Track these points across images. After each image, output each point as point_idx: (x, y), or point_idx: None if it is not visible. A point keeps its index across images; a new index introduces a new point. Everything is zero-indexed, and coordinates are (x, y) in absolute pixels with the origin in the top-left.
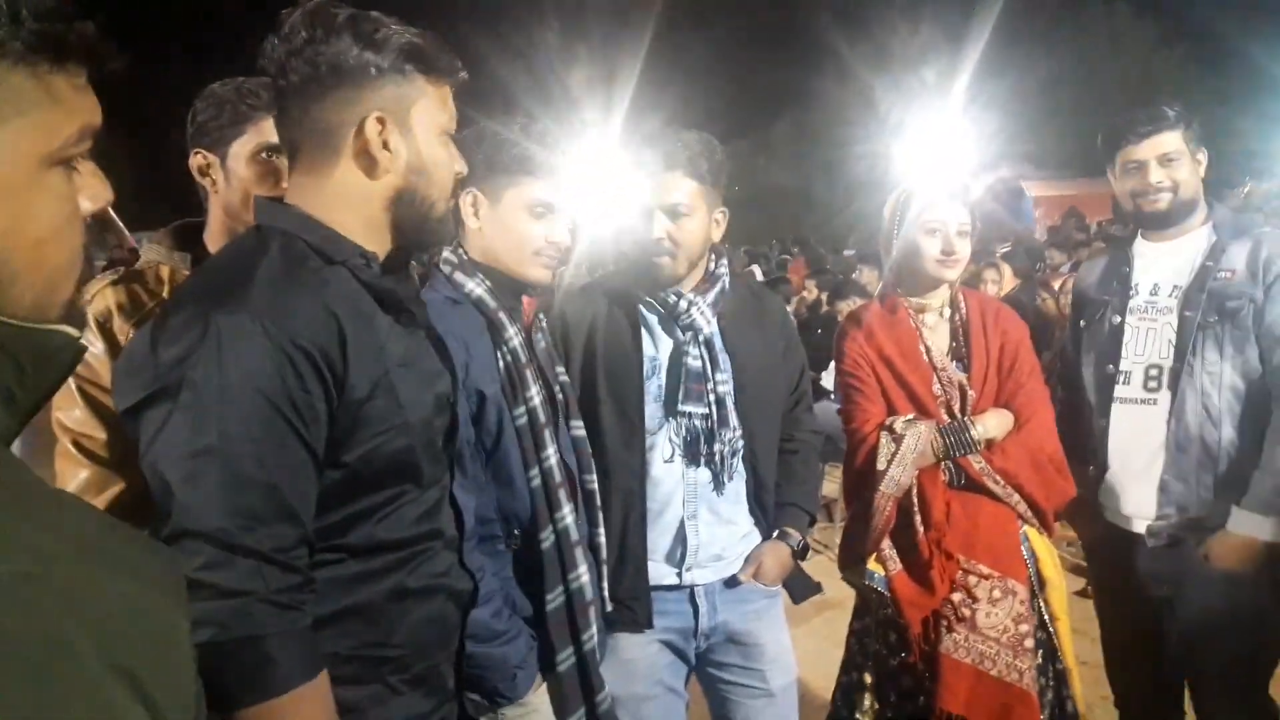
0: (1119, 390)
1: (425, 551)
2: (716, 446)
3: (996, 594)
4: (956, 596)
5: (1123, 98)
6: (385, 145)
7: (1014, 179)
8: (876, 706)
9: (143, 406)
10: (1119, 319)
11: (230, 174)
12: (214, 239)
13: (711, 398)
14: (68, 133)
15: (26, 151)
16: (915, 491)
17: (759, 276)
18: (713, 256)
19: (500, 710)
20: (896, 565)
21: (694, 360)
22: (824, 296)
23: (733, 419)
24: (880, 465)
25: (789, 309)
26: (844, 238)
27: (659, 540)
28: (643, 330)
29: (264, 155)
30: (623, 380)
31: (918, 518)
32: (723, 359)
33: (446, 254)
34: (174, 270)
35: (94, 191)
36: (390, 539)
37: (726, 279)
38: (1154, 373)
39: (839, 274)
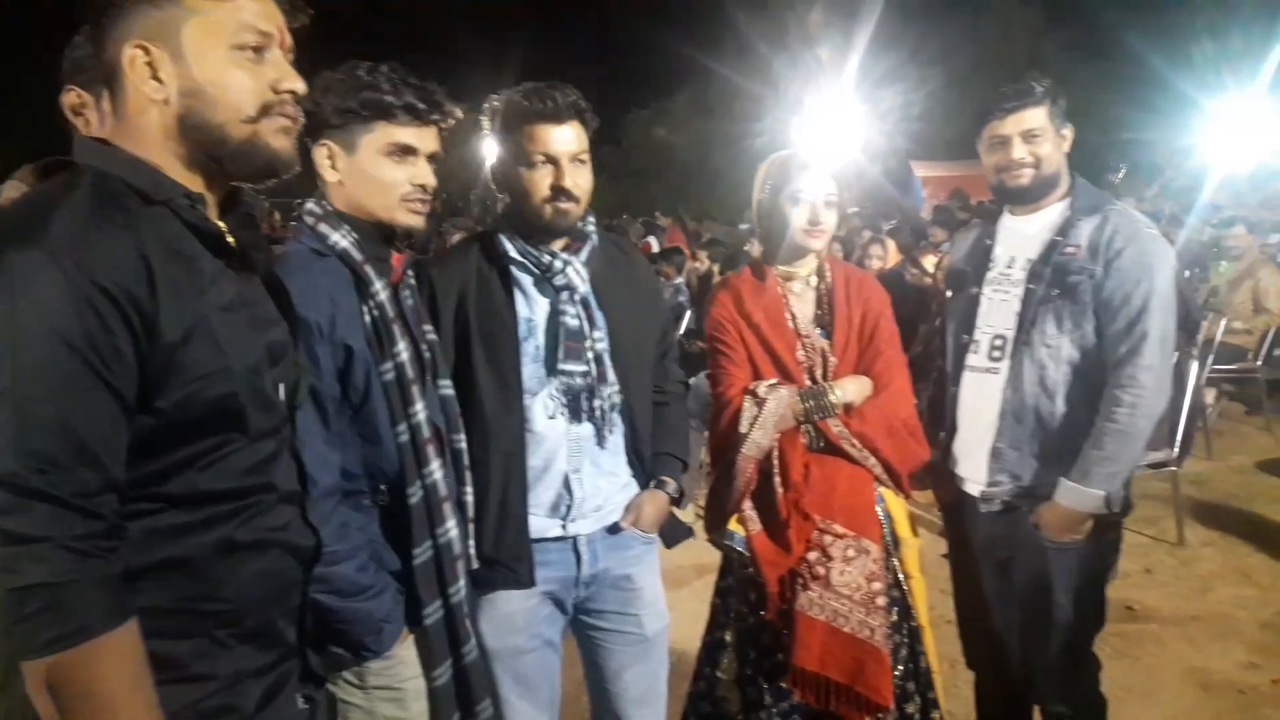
0: (969, 359)
1: (256, 505)
2: (597, 402)
3: (850, 553)
4: (812, 555)
5: (1009, 79)
6: (154, 74)
7: (904, 158)
8: (736, 665)
9: None
10: (976, 290)
11: (104, 114)
12: None
13: (590, 355)
14: None
15: None
16: (776, 454)
17: (655, 248)
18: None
19: (366, 664)
20: (756, 525)
21: (572, 319)
22: (716, 268)
23: (611, 375)
24: (743, 428)
25: (680, 279)
26: (743, 211)
27: (543, 495)
28: (516, 292)
29: None
30: (498, 343)
31: (777, 479)
32: (598, 316)
33: (310, 205)
34: None
35: None
36: (215, 489)
37: (595, 236)
38: (998, 342)
39: (732, 246)
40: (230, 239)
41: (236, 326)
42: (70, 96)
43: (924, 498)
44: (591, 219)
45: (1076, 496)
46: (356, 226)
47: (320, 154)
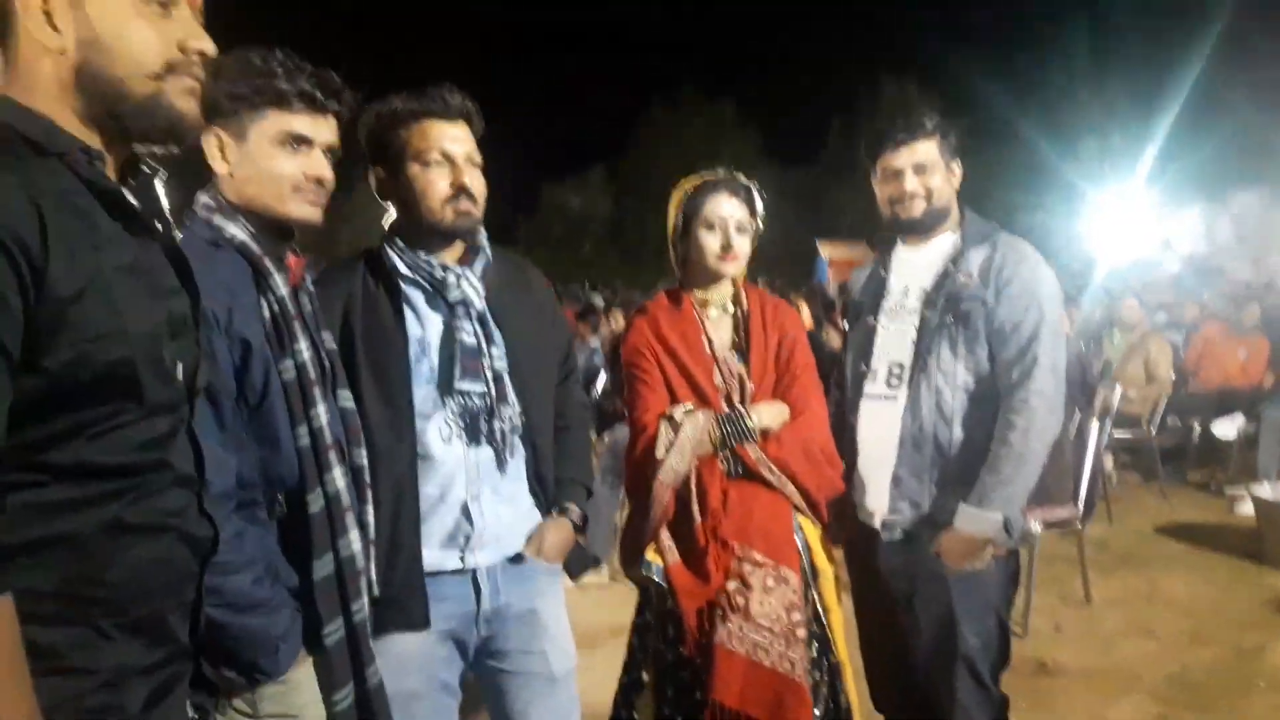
0: (867, 387)
1: (148, 484)
2: (497, 424)
3: (770, 582)
4: (731, 585)
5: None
6: (51, 22)
7: (810, 239)
8: (653, 705)
9: None
10: (872, 320)
11: None
12: None
13: (489, 374)
14: None
15: None
16: (694, 480)
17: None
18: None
19: (259, 689)
20: (674, 555)
21: (468, 336)
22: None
23: (511, 395)
24: (659, 453)
25: (595, 341)
26: (657, 281)
27: (440, 524)
28: (406, 309)
29: None
30: (386, 364)
31: (695, 506)
32: (496, 334)
33: (203, 197)
34: None
35: None
36: (104, 462)
37: (487, 250)
38: (896, 370)
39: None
40: (130, 201)
41: (135, 290)
42: None
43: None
44: (484, 233)
45: (975, 521)
46: (252, 220)
47: (210, 143)
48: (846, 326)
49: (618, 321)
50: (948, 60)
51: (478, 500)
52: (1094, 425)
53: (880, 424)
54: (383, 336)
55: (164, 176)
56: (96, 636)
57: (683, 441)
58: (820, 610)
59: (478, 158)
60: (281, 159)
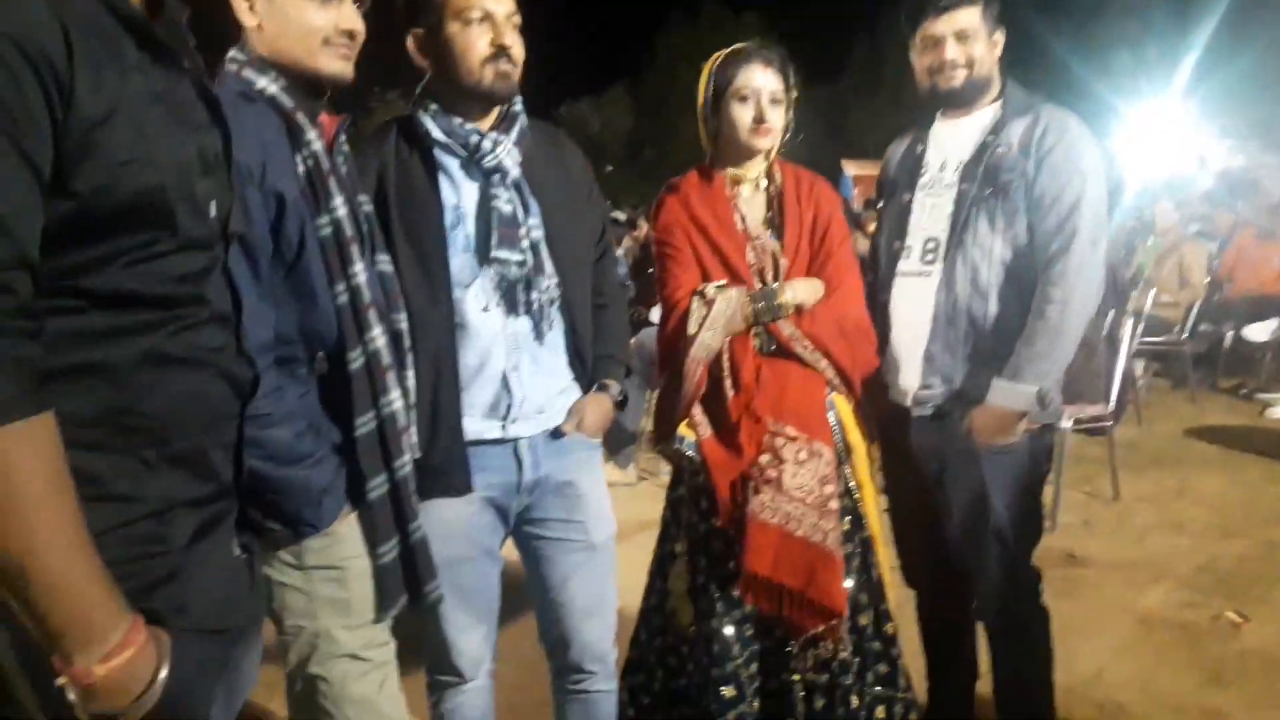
0: (901, 264)
1: (187, 318)
2: (534, 294)
3: (803, 455)
4: (764, 459)
5: None
6: None
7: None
8: (687, 576)
9: None
10: (908, 196)
11: None
12: None
13: (526, 243)
14: None
15: None
16: (726, 356)
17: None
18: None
19: (305, 541)
20: (707, 430)
21: (505, 204)
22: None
23: (548, 265)
24: (691, 329)
25: (619, 251)
26: None
27: (481, 394)
28: (441, 176)
29: None
30: (422, 232)
31: (728, 381)
32: (532, 203)
33: (233, 53)
34: None
35: None
36: (141, 292)
37: (524, 118)
38: (930, 245)
39: None
40: (157, 32)
41: (164, 119)
42: None
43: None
44: (520, 99)
45: (1009, 395)
46: (284, 74)
47: None
48: (881, 204)
49: (643, 230)
50: None
51: (517, 370)
52: (1127, 326)
53: (914, 301)
54: (417, 203)
55: (186, 15)
56: (139, 465)
57: (715, 317)
58: (852, 485)
59: (518, 19)
60: (311, 10)
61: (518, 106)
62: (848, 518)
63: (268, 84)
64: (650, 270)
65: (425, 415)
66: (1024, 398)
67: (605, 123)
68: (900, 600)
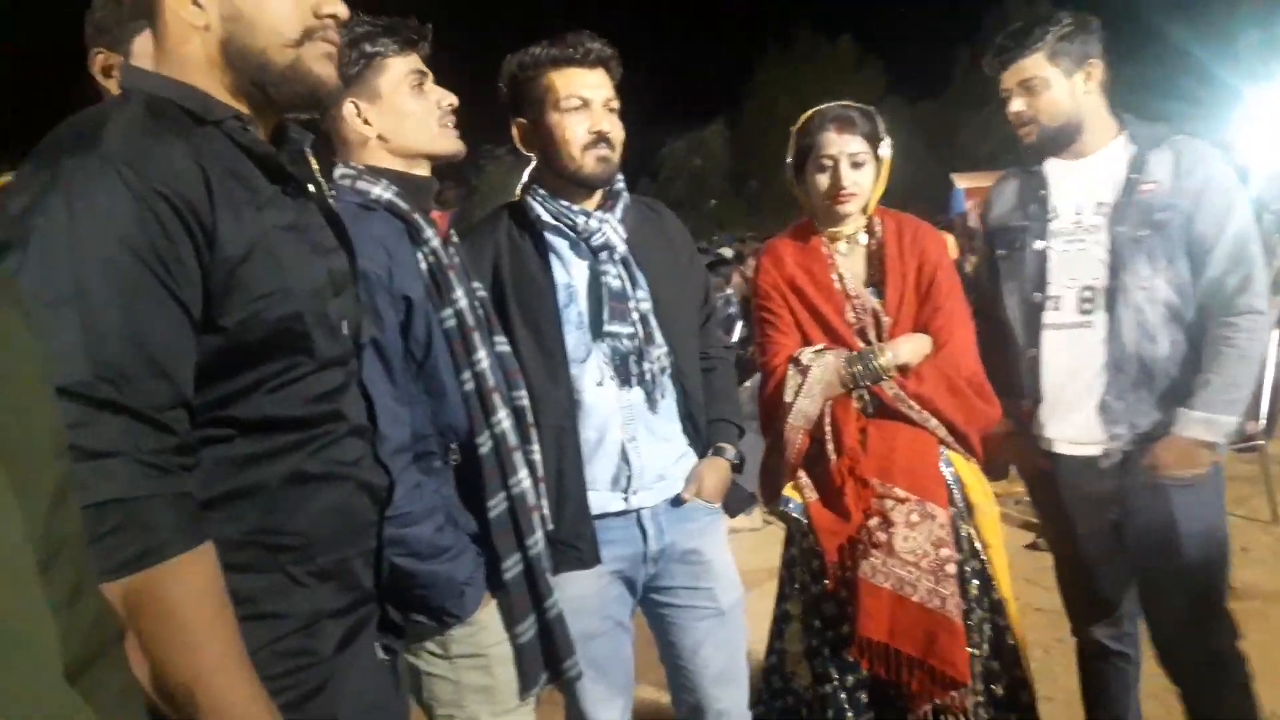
0: (1049, 317)
1: (327, 434)
2: (646, 365)
3: (914, 518)
4: (873, 521)
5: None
6: (194, 1)
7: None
8: (802, 637)
9: None
10: (1041, 244)
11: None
12: None
13: (635, 316)
14: None
15: None
16: (828, 419)
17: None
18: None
19: (449, 632)
20: (813, 493)
21: (614, 280)
22: None
23: (658, 336)
24: (788, 397)
25: (730, 290)
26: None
27: (601, 468)
28: (552, 257)
29: None
30: (538, 311)
31: (830, 446)
32: (639, 276)
33: (341, 168)
34: None
35: None
36: (284, 415)
37: (627, 195)
38: (1087, 295)
39: None
40: (285, 164)
41: (297, 249)
42: (99, 59)
43: (997, 487)
44: (621, 176)
45: (1203, 427)
46: (395, 180)
47: (349, 115)
48: (994, 252)
49: (751, 269)
50: None
51: (634, 441)
52: (1275, 336)
53: (1075, 352)
54: (532, 285)
55: (310, 142)
56: (288, 582)
57: (810, 384)
58: (978, 547)
59: (615, 103)
60: (418, 99)
61: (620, 185)
62: (975, 581)
63: (382, 191)
64: None
65: (552, 491)
66: (1219, 428)
67: (707, 158)
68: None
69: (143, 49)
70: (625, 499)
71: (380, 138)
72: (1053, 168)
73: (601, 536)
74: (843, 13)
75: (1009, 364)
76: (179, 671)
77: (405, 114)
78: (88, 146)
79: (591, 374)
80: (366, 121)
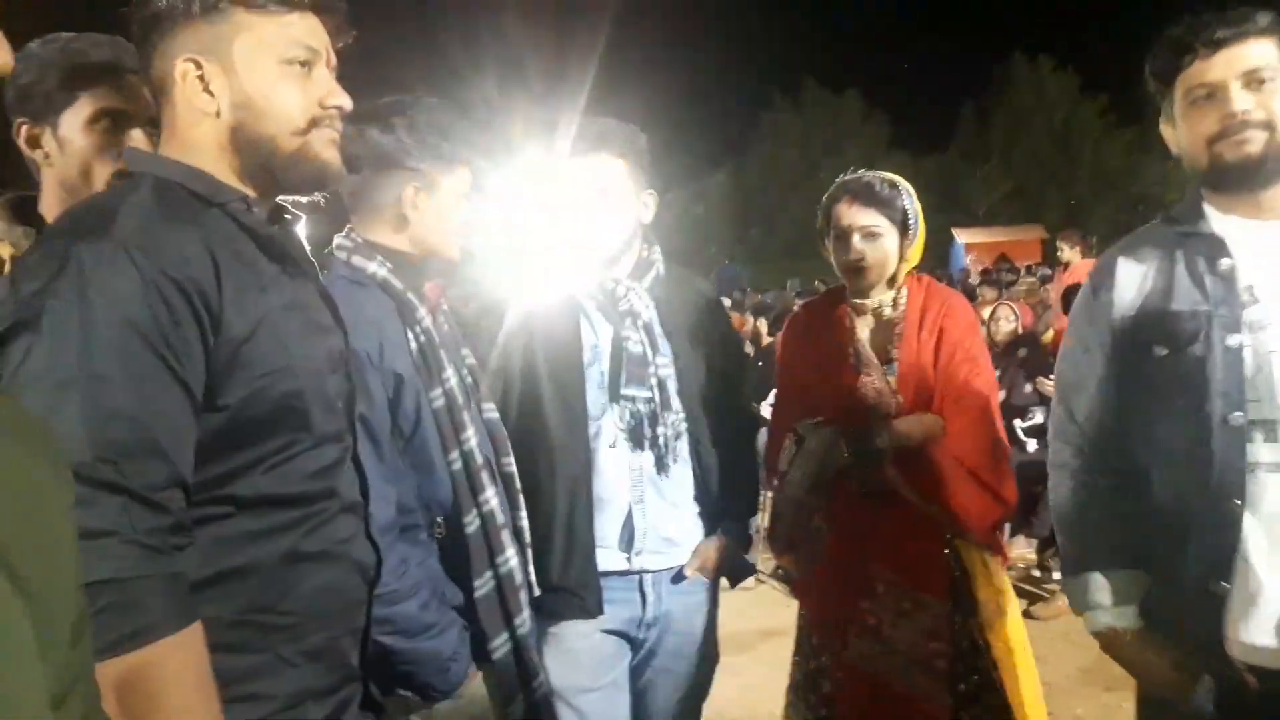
0: (1261, 451)
1: (321, 513)
2: (660, 430)
3: (906, 606)
4: (863, 605)
5: (1048, 146)
6: (206, 88)
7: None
8: (796, 704)
9: (2, 343)
10: (1236, 340)
11: (65, 144)
12: (51, 212)
13: (654, 381)
14: None
15: None
16: (825, 495)
17: None
18: (646, 244)
19: (434, 706)
20: (804, 568)
21: (635, 345)
22: (764, 328)
23: (675, 402)
24: (783, 466)
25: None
26: (785, 278)
27: (607, 527)
28: (582, 318)
29: (102, 123)
30: (564, 368)
31: (823, 523)
32: (662, 343)
33: (340, 240)
34: (15, 248)
35: None
36: (281, 493)
37: (660, 265)
38: None
39: (780, 307)
40: (286, 245)
41: (298, 327)
42: (23, 129)
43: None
44: (657, 248)
45: None
46: (391, 258)
47: (407, 194)
48: (1160, 352)
49: (747, 323)
50: (1089, 34)
51: (642, 504)
52: None
53: None
54: (562, 342)
55: (302, 222)
56: (278, 662)
57: (805, 457)
58: (982, 644)
59: (614, 191)
60: (463, 209)
61: (655, 255)
62: (974, 676)
63: (377, 269)
64: (760, 362)
65: (560, 540)
66: None
67: (709, 207)
68: None
69: (73, 120)
70: (629, 559)
71: (422, 223)
72: (1230, 229)
73: (604, 594)
74: (850, 66)
75: (1161, 517)
76: None
77: (444, 218)
78: (100, 232)
79: (606, 434)
80: (415, 205)
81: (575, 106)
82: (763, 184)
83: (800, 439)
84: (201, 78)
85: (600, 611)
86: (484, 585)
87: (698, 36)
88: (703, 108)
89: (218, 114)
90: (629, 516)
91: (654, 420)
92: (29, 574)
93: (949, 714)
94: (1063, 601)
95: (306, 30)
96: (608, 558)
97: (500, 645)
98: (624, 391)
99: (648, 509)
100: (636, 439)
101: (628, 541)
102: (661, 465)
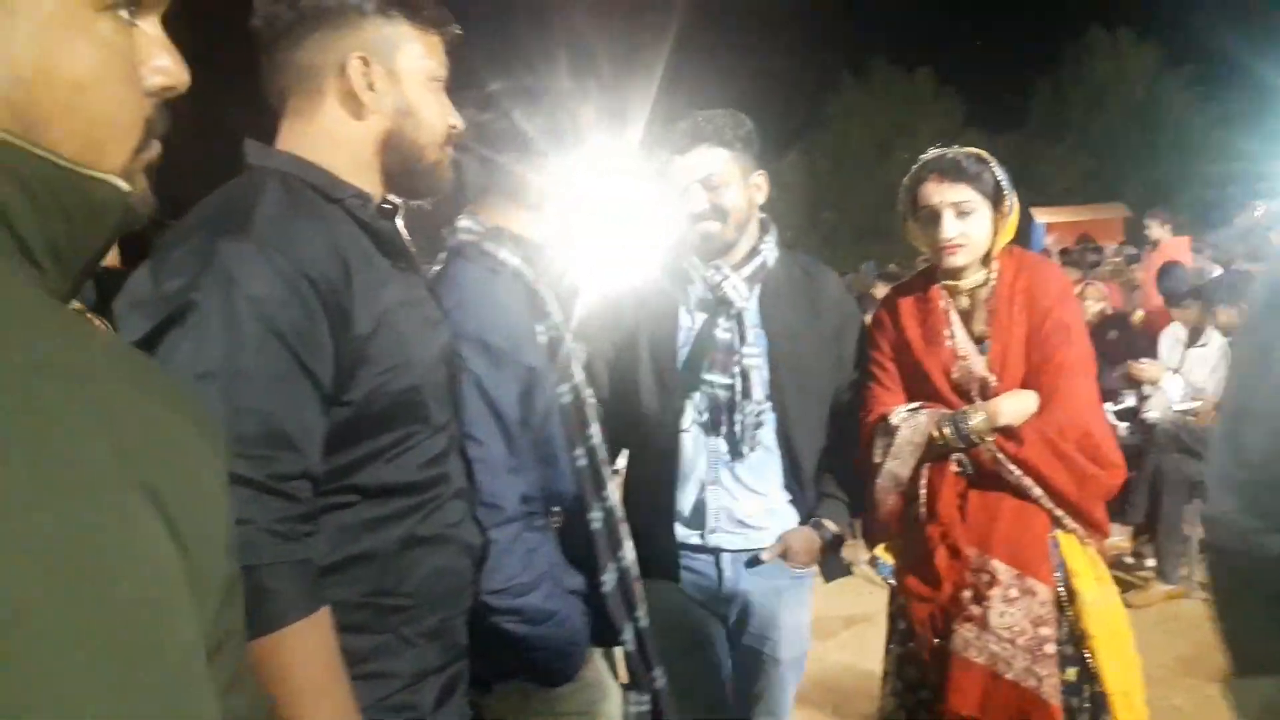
0: None
1: (435, 499)
2: (737, 417)
3: (1013, 593)
4: (966, 594)
5: (1128, 122)
6: (370, 86)
7: (1024, 206)
8: (888, 694)
9: (152, 339)
10: None
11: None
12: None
13: (737, 370)
14: None
15: None
16: (923, 483)
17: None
18: (761, 231)
19: (556, 691)
20: (904, 557)
21: (723, 333)
22: None
23: (757, 392)
24: (876, 458)
25: None
26: (859, 262)
27: (683, 502)
28: (680, 304)
29: None
30: (661, 346)
31: (923, 510)
32: (755, 333)
33: (466, 222)
34: None
35: (162, 65)
36: (400, 482)
37: (770, 255)
38: None
39: (857, 289)
40: (400, 240)
41: (413, 322)
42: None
43: None
44: (770, 237)
45: None
46: (519, 244)
47: (540, 179)
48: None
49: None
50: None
51: (715, 485)
52: None
53: None
54: (662, 322)
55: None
56: (399, 642)
57: (899, 446)
58: (1078, 635)
59: (718, 178)
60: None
61: (765, 245)
62: (1074, 669)
63: (508, 256)
64: None
65: (645, 507)
66: None
67: (781, 190)
68: None
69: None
70: (701, 536)
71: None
72: None
73: (682, 563)
74: (921, 44)
75: None
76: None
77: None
78: (241, 230)
79: (686, 415)
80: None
81: (647, 93)
82: (833, 166)
83: (893, 428)
84: (367, 75)
85: (677, 577)
86: (609, 579)
87: (765, 18)
88: (770, 91)
89: (376, 113)
90: (701, 495)
91: (731, 408)
92: (183, 525)
93: (1060, 702)
94: (1157, 589)
95: (444, 52)
96: (683, 532)
97: (628, 638)
98: (705, 377)
99: (720, 491)
100: (713, 424)
101: (700, 519)
102: (736, 452)
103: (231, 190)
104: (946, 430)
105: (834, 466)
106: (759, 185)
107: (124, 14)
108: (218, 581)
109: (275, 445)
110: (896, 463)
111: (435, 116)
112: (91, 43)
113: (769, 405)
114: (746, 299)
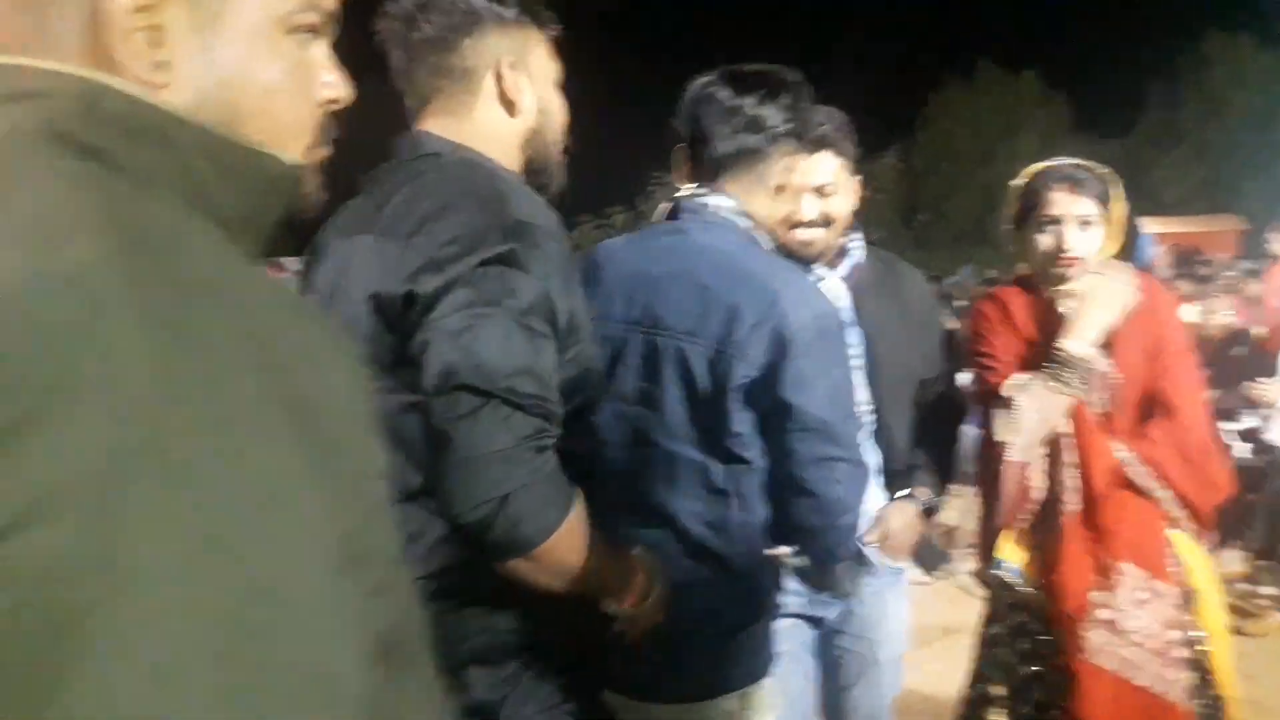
0: None
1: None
2: None
3: (1142, 595)
4: (1095, 595)
5: (1247, 132)
6: (519, 87)
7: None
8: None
9: (441, 293)
10: None
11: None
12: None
13: None
14: (292, 3)
15: (261, 6)
16: (1066, 464)
17: None
18: (847, 231)
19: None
20: (1032, 554)
21: None
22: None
23: (860, 393)
24: (998, 437)
25: None
26: (956, 266)
27: None
28: None
29: None
30: None
31: (1067, 494)
32: (852, 331)
33: (719, 199)
34: None
35: (331, 81)
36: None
37: (859, 253)
38: None
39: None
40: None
41: (585, 306)
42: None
43: None
44: (857, 235)
45: None
46: (760, 230)
47: (785, 167)
48: None
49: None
50: None
51: None
52: None
53: None
54: None
55: None
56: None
57: (1021, 416)
58: (1193, 635)
59: (831, 187)
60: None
61: (853, 243)
62: (1195, 671)
63: (760, 238)
64: None
65: None
66: None
67: (877, 189)
68: None
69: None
70: None
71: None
72: None
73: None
74: (1027, 46)
75: None
76: (586, 571)
77: (777, 208)
78: (515, 219)
79: None
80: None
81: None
82: (932, 167)
83: (1008, 401)
84: (516, 77)
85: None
86: None
87: (866, 14)
88: (869, 88)
89: (524, 112)
90: None
91: None
92: (330, 434)
93: (1190, 708)
94: (1276, 618)
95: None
96: None
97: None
98: None
99: None
100: None
101: None
102: None
103: (477, 173)
104: (1064, 375)
105: (919, 451)
106: (857, 190)
107: (305, 36)
108: (364, 499)
109: (535, 384)
110: (1025, 437)
111: (560, 118)
112: (281, 57)
113: (869, 404)
114: (844, 297)
